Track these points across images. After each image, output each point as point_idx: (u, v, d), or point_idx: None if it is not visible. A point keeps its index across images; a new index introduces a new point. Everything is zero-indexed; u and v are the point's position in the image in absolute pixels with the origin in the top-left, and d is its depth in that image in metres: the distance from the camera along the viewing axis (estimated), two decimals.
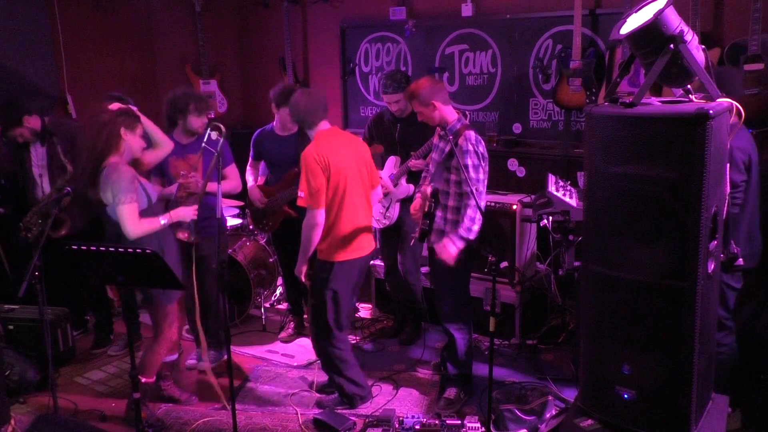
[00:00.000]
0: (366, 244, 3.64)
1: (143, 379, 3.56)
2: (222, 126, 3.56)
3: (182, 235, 3.64)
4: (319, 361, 4.28)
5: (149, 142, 3.59)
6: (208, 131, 3.62)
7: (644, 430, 2.62)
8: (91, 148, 3.34)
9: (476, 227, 3.44)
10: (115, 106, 3.48)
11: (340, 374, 3.72)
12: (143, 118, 3.49)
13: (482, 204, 3.45)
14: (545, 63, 4.76)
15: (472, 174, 3.44)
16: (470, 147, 3.46)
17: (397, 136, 4.35)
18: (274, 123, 4.43)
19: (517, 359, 4.27)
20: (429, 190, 3.54)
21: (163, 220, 3.40)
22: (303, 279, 3.61)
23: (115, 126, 3.33)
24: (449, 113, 3.57)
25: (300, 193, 3.42)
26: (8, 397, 3.66)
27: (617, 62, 4.32)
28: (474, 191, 3.32)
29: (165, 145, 3.65)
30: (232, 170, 4.16)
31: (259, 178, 4.59)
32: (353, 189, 3.53)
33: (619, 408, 2.66)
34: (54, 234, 4.01)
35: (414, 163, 4.17)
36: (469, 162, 3.44)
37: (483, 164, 3.47)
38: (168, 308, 3.53)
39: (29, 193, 4.32)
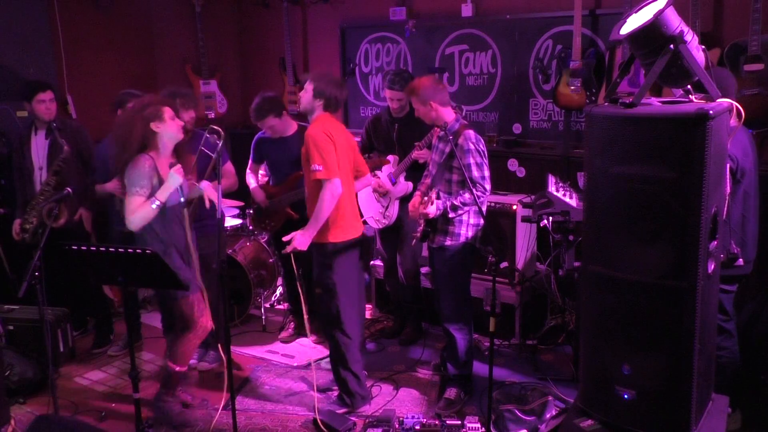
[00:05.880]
0: (358, 226, 3.69)
1: (177, 368, 3.52)
2: (221, 130, 3.54)
3: None
4: (319, 362, 4.29)
5: None
6: (206, 134, 3.59)
7: (644, 430, 2.61)
8: (128, 150, 3.26)
9: (470, 219, 3.57)
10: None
11: (347, 367, 3.67)
12: None
13: (487, 198, 3.63)
14: (545, 63, 4.76)
15: (476, 173, 3.46)
16: (471, 146, 3.47)
17: (395, 135, 4.36)
18: None
19: (517, 359, 4.27)
20: (434, 194, 3.53)
21: (153, 204, 3.22)
22: (304, 249, 3.51)
23: (145, 123, 3.26)
24: (447, 114, 3.59)
25: (317, 167, 3.38)
26: (8, 397, 3.67)
27: (617, 62, 4.32)
28: (475, 191, 3.36)
29: None
30: (228, 168, 4.19)
31: (260, 178, 4.59)
32: (347, 171, 3.60)
33: (619, 408, 2.66)
34: (54, 224, 4.01)
35: (418, 153, 4.16)
36: (472, 161, 3.46)
37: (486, 161, 3.51)
38: (191, 298, 3.43)
39: (27, 190, 4.32)
